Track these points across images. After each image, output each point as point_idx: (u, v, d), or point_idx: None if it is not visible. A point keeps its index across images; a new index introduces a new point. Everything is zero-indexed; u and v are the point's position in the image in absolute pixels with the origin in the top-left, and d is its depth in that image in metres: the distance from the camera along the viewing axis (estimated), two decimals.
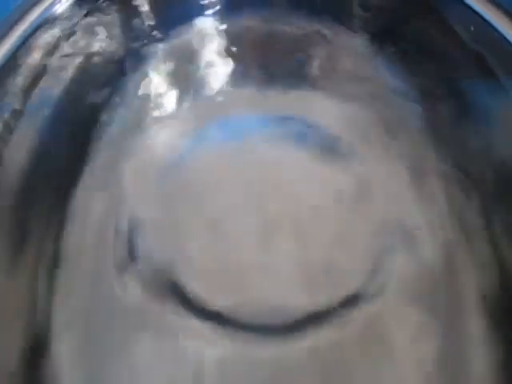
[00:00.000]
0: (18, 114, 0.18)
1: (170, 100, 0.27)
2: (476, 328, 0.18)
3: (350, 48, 0.28)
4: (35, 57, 0.20)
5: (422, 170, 0.23)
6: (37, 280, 0.18)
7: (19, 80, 0.19)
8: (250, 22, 0.29)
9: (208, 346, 0.19)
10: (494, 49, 0.21)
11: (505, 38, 0.21)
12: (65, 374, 0.17)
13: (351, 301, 0.19)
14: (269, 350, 0.19)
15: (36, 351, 0.17)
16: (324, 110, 0.26)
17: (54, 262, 0.19)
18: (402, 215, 0.22)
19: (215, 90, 0.27)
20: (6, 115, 0.17)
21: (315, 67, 0.28)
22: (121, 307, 0.19)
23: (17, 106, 0.18)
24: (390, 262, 0.21)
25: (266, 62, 0.28)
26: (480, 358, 0.18)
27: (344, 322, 0.19)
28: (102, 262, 0.20)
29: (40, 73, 0.20)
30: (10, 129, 0.17)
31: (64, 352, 0.17)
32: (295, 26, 0.29)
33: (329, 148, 0.25)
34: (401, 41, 0.27)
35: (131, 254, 0.21)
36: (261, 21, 0.29)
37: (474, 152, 0.22)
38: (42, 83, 0.20)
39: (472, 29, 0.22)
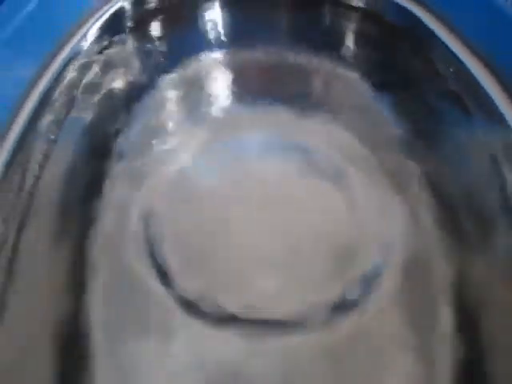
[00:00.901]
0: (52, 143, 0.21)
1: (179, 125, 0.30)
2: (445, 321, 0.21)
3: (344, 79, 0.31)
4: (65, 91, 0.23)
5: (403, 185, 0.27)
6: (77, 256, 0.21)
7: (54, 113, 0.22)
8: (254, 54, 0.32)
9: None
10: (467, 88, 0.24)
11: (476, 79, 0.23)
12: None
13: (338, 306, 0.22)
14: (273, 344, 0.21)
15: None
16: (318, 133, 0.29)
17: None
18: (381, 227, 0.25)
19: (221, 116, 0.30)
20: (45, 146, 0.20)
21: (312, 96, 0.31)
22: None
23: (52, 137, 0.21)
24: (373, 270, 0.23)
25: (268, 91, 0.31)
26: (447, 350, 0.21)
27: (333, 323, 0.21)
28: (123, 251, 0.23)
29: (69, 106, 0.23)
30: (47, 157, 0.20)
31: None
32: (296, 59, 0.32)
33: (320, 167, 0.28)
34: (389, 75, 0.30)
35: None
36: (264, 54, 0.32)
37: (445, 170, 0.25)
38: (71, 114, 0.23)
39: (451, 70, 0.25)
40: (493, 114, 0.22)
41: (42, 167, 0.19)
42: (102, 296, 0.21)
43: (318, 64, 0.31)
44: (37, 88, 0.20)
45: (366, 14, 0.31)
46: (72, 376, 0.18)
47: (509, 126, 0.21)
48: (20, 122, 0.18)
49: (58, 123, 0.21)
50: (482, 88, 0.22)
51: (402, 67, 0.29)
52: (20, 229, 0.17)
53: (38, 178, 0.19)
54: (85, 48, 0.25)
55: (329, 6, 0.33)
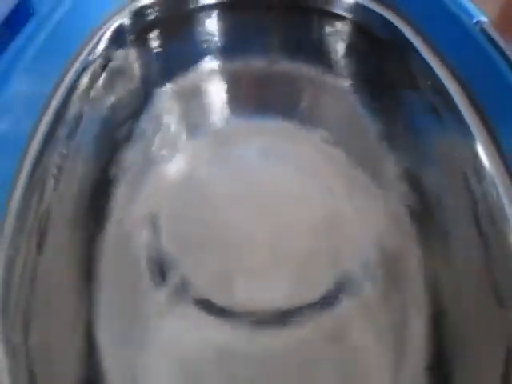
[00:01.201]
0: (65, 157, 0.23)
1: (179, 132, 0.32)
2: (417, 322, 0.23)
3: (333, 88, 0.33)
4: (76, 106, 0.25)
5: (383, 181, 0.29)
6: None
7: (66, 128, 0.24)
8: (249, 64, 0.34)
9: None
10: (442, 99, 0.26)
11: (449, 93, 0.25)
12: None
13: (320, 303, 0.24)
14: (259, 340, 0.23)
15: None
16: (307, 138, 0.32)
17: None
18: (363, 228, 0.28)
19: (218, 122, 0.32)
20: (59, 160, 0.22)
21: (304, 103, 0.34)
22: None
23: (64, 151, 0.23)
24: (353, 270, 0.26)
25: (263, 99, 0.33)
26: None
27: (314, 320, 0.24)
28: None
29: (79, 120, 0.25)
30: (61, 170, 0.22)
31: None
32: (289, 68, 0.34)
33: (310, 171, 0.30)
34: (375, 85, 0.32)
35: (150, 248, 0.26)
36: (259, 63, 0.34)
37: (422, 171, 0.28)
38: (81, 127, 0.25)
39: (429, 83, 0.28)
40: (461, 125, 0.23)
41: (57, 180, 0.21)
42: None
43: (308, 73, 0.34)
44: (50, 106, 0.22)
45: (354, 26, 0.33)
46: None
47: (473, 135, 0.22)
48: (37, 139, 0.20)
49: (70, 137, 0.23)
50: (453, 101, 0.24)
51: (388, 79, 0.31)
52: (42, 238, 0.19)
53: (54, 190, 0.21)
54: (92, 63, 0.27)
55: (318, 17, 0.35)
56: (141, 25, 0.32)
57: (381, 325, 0.24)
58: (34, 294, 0.17)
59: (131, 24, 0.31)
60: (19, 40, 0.21)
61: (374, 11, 0.31)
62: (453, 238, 0.25)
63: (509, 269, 0.19)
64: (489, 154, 0.21)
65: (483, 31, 0.23)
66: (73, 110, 0.25)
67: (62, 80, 0.24)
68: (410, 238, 0.26)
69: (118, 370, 0.21)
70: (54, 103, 0.23)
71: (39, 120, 0.21)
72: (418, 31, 0.28)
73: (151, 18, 0.32)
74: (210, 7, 0.34)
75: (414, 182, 0.28)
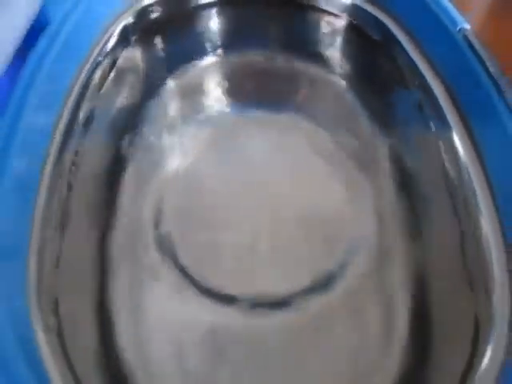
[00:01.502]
0: (79, 154, 0.25)
1: (182, 127, 0.33)
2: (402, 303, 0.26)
3: (328, 84, 0.35)
4: (88, 103, 0.27)
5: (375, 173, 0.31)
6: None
7: (80, 128, 0.26)
8: (248, 59, 0.36)
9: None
10: (427, 96, 0.28)
11: (432, 90, 0.28)
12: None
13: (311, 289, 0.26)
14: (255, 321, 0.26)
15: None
16: (302, 131, 0.34)
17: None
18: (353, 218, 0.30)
19: (219, 116, 0.34)
20: (74, 157, 0.24)
21: (300, 97, 0.36)
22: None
23: (80, 148, 0.25)
24: (343, 260, 0.28)
25: (261, 93, 0.35)
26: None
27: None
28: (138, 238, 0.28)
29: (91, 119, 0.27)
30: (77, 167, 0.24)
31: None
32: (286, 64, 0.35)
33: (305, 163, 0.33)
34: (369, 83, 0.34)
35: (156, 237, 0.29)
36: (257, 58, 0.36)
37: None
38: (92, 126, 0.27)
39: (416, 82, 0.30)
40: (442, 120, 0.26)
41: (74, 176, 0.24)
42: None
43: (305, 69, 0.36)
44: (67, 104, 0.24)
45: (349, 25, 0.35)
46: None
47: (451, 128, 0.25)
48: (57, 138, 0.23)
49: (82, 136, 0.26)
50: (436, 99, 0.27)
51: (379, 76, 0.33)
52: (63, 227, 0.22)
53: (71, 185, 0.23)
54: (101, 63, 0.29)
55: (315, 15, 0.36)
56: (144, 24, 0.33)
57: (367, 309, 0.26)
58: (60, 275, 0.19)
59: (135, 23, 0.33)
60: (38, 49, 0.23)
61: (369, 12, 0.33)
62: (434, 226, 0.27)
63: (479, 257, 0.21)
64: (464, 146, 0.24)
65: (465, 38, 0.26)
66: (86, 107, 0.27)
67: (76, 79, 0.26)
68: (398, 229, 0.29)
69: (126, 336, 0.24)
70: (71, 100, 0.25)
71: (59, 117, 0.23)
72: (408, 34, 0.30)
73: (154, 16, 0.34)
74: (210, 5, 0.36)
75: (402, 173, 0.30)
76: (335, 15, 0.35)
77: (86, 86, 0.27)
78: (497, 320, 0.19)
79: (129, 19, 0.32)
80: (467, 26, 0.26)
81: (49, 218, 0.20)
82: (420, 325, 0.24)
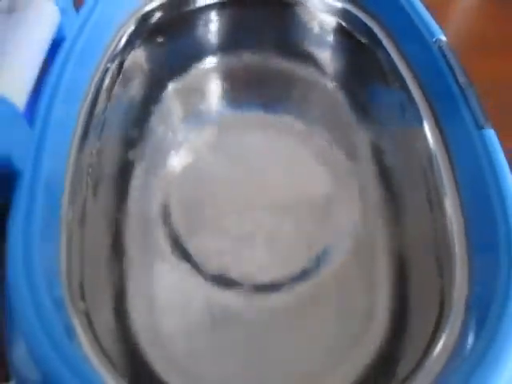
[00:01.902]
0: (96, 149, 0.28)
1: (185, 126, 0.36)
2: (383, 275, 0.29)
3: (319, 85, 0.38)
4: (101, 105, 0.30)
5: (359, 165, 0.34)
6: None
7: (96, 127, 0.29)
8: (245, 60, 0.38)
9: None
10: (407, 97, 0.31)
11: (411, 92, 0.31)
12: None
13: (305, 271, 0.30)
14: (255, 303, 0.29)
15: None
16: (296, 129, 0.37)
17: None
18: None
19: (218, 116, 0.37)
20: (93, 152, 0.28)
21: (293, 98, 0.39)
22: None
23: (96, 144, 0.28)
24: (331, 246, 0.31)
25: (257, 93, 0.38)
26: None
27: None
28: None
29: (104, 116, 0.30)
30: (93, 165, 0.28)
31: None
32: (281, 66, 0.38)
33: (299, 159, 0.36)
34: (354, 83, 0.37)
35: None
36: (253, 60, 0.38)
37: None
38: (106, 123, 0.30)
39: (397, 84, 0.32)
40: (418, 117, 0.29)
41: (91, 176, 0.27)
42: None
43: (299, 71, 0.39)
44: (82, 112, 0.27)
45: (339, 28, 0.38)
46: None
47: (423, 122, 0.28)
48: (76, 142, 0.26)
49: (96, 139, 0.28)
50: (414, 99, 0.30)
51: (365, 77, 0.36)
52: (83, 215, 0.25)
53: (88, 184, 0.26)
54: (111, 68, 0.32)
55: (308, 18, 0.39)
56: (147, 28, 0.35)
57: (351, 292, 0.30)
58: (83, 264, 0.23)
59: (139, 28, 0.35)
60: (57, 62, 0.26)
61: (358, 17, 0.36)
62: (410, 215, 0.30)
63: (446, 244, 0.25)
64: (436, 144, 0.27)
65: (440, 49, 0.28)
66: (100, 108, 0.29)
67: (90, 84, 0.29)
68: (379, 217, 0.32)
69: (139, 315, 0.27)
70: (87, 102, 0.28)
71: (78, 116, 0.26)
72: (392, 40, 0.33)
73: (155, 21, 0.36)
74: (209, 7, 0.38)
75: (384, 168, 0.33)
76: (328, 18, 0.38)
77: (98, 91, 0.30)
78: (455, 302, 0.22)
79: (134, 24, 0.35)
80: (443, 38, 0.29)
81: (73, 215, 0.23)
82: (396, 305, 0.28)
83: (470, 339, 0.20)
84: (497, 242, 0.21)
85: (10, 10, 0.25)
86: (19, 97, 0.21)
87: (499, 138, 0.24)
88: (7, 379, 0.19)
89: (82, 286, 0.21)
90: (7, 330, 0.19)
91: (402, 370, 0.22)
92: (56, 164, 0.23)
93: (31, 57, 0.23)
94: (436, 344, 0.21)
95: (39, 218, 0.19)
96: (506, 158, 0.24)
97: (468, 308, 0.21)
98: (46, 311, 0.17)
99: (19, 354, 0.18)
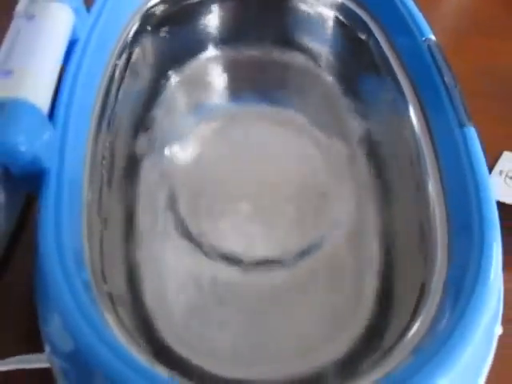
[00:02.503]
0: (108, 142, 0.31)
1: (188, 121, 0.39)
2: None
3: (318, 77, 0.40)
4: (112, 99, 0.32)
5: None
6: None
7: (108, 117, 0.31)
8: (245, 53, 0.40)
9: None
10: (397, 89, 0.33)
11: (401, 85, 0.33)
12: None
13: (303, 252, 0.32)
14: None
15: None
16: (294, 120, 0.39)
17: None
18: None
19: (220, 107, 0.39)
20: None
21: (290, 88, 0.41)
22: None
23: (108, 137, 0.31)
24: (328, 229, 0.34)
25: (257, 85, 0.40)
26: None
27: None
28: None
29: (114, 113, 0.32)
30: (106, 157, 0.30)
31: None
32: (281, 57, 0.40)
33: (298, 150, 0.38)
34: (350, 76, 0.39)
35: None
36: (256, 52, 0.40)
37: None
38: (117, 115, 0.33)
39: (389, 77, 0.34)
40: (406, 109, 0.31)
41: (105, 168, 0.29)
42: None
43: (298, 63, 0.41)
44: (96, 108, 0.30)
45: (337, 22, 0.40)
46: None
47: (410, 112, 0.31)
48: (91, 136, 0.28)
49: (109, 132, 0.30)
50: (404, 93, 0.32)
51: (360, 70, 0.38)
52: (100, 199, 0.27)
53: (103, 176, 0.29)
54: (119, 64, 0.34)
55: (307, 12, 0.41)
56: (151, 23, 0.37)
57: (345, 270, 0.32)
58: (102, 247, 0.25)
59: (144, 23, 0.37)
60: (72, 64, 0.28)
61: (355, 12, 0.38)
62: (400, 201, 0.33)
63: (429, 229, 0.27)
64: (421, 129, 0.30)
65: (429, 48, 0.31)
66: (111, 103, 0.32)
67: (102, 81, 0.31)
68: (371, 203, 0.34)
69: (151, 290, 0.30)
70: (99, 98, 0.30)
71: (92, 112, 0.29)
72: (385, 36, 0.35)
73: (159, 15, 0.38)
74: (210, 0, 0.40)
75: (376, 157, 0.36)
76: (325, 11, 0.40)
77: (109, 88, 0.32)
78: (434, 283, 0.25)
79: (139, 20, 0.37)
80: (432, 37, 0.31)
81: (92, 205, 0.26)
82: (383, 285, 0.30)
83: (445, 315, 0.23)
84: (471, 227, 0.24)
85: (28, 14, 0.27)
86: (43, 100, 0.23)
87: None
88: (41, 350, 0.22)
89: (102, 271, 0.24)
90: (41, 307, 0.22)
91: (387, 342, 0.25)
92: (76, 159, 0.25)
93: (51, 60, 0.25)
94: (416, 320, 0.24)
95: (66, 211, 0.22)
96: None
97: (445, 288, 0.24)
98: (77, 292, 0.19)
99: (53, 328, 0.21)
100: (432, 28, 0.33)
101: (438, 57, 0.30)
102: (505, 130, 0.43)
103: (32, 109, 0.22)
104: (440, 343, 0.20)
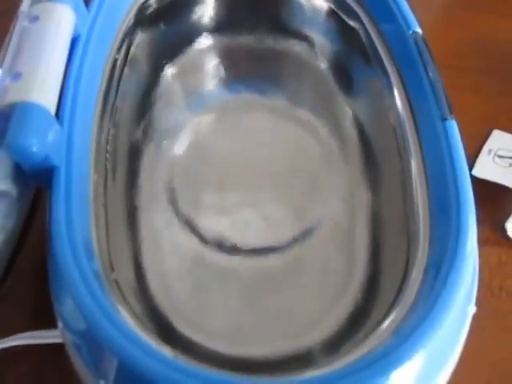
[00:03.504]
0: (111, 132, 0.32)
1: (185, 111, 0.40)
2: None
3: (312, 65, 0.41)
4: (113, 91, 0.34)
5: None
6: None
7: (110, 110, 0.33)
8: (240, 42, 0.42)
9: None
10: (386, 79, 0.34)
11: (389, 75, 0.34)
12: None
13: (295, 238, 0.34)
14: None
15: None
16: (290, 110, 0.41)
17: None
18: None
19: (217, 98, 0.41)
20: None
21: (284, 76, 0.42)
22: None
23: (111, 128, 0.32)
24: (320, 214, 0.36)
25: (252, 73, 0.42)
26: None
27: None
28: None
29: (116, 103, 0.34)
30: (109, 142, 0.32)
31: None
32: (276, 47, 0.42)
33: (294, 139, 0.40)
34: (343, 66, 0.40)
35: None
36: (250, 41, 0.41)
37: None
38: (119, 108, 0.34)
39: (379, 68, 0.36)
40: (393, 96, 0.33)
41: (108, 161, 0.31)
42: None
43: (292, 52, 0.42)
44: (99, 98, 0.31)
45: (331, 13, 0.41)
46: None
47: (396, 101, 0.33)
48: (95, 132, 0.30)
49: (111, 126, 0.32)
50: (391, 83, 0.34)
51: (352, 61, 0.40)
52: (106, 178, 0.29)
53: (106, 168, 0.30)
54: (119, 59, 0.35)
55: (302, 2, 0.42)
56: (147, 15, 0.38)
57: (337, 252, 0.34)
58: (108, 237, 0.27)
59: (140, 16, 0.38)
60: (74, 59, 0.29)
61: (348, 3, 0.39)
62: (387, 186, 0.34)
63: (413, 213, 0.28)
64: (407, 118, 0.31)
65: (415, 41, 0.32)
66: (111, 98, 0.33)
67: (103, 76, 0.33)
68: (362, 187, 0.36)
69: (152, 274, 0.32)
70: (101, 94, 0.31)
71: (95, 108, 0.30)
72: (375, 27, 0.37)
73: (154, 7, 0.39)
74: None
75: (364, 139, 0.38)
76: (319, 2, 0.41)
77: (110, 83, 0.33)
78: (417, 264, 0.27)
79: (135, 13, 0.38)
80: (419, 31, 0.32)
81: (98, 197, 0.27)
82: (371, 266, 0.32)
83: (425, 294, 0.25)
84: (449, 212, 0.26)
85: (31, 15, 0.28)
86: (51, 100, 0.25)
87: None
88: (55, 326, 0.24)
89: (110, 260, 0.26)
90: (55, 290, 0.24)
91: (372, 321, 0.27)
92: (82, 155, 0.27)
93: (57, 61, 0.26)
94: (399, 302, 0.26)
95: (76, 205, 0.24)
96: None
97: (426, 268, 0.26)
98: (88, 280, 0.22)
99: (66, 307, 0.23)
100: (424, 5, 0.34)
101: (423, 50, 0.31)
102: (495, 107, 0.43)
103: (41, 110, 0.23)
104: (417, 323, 0.22)
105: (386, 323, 0.25)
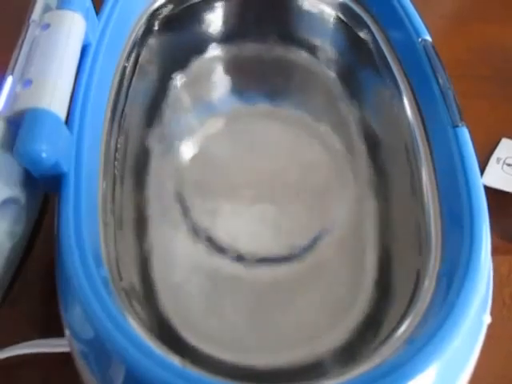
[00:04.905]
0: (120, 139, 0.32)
1: (193, 119, 0.40)
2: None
3: (320, 74, 0.41)
4: (122, 98, 0.34)
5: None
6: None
7: (118, 119, 0.33)
8: (251, 50, 0.42)
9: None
10: (395, 88, 0.34)
11: (398, 84, 0.34)
12: None
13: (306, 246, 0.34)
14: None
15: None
16: (296, 117, 0.41)
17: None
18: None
19: (225, 107, 0.41)
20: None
21: (293, 85, 0.42)
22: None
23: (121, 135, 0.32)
24: (329, 222, 0.36)
25: (260, 82, 0.41)
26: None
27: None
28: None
29: (123, 113, 0.34)
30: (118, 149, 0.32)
31: None
32: (283, 55, 0.41)
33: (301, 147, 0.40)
34: (351, 74, 0.40)
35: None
36: (259, 50, 0.42)
37: None
38: (128, 114, 0.34)
39: (388, 80, 0.36)
40: (403, 105, 0.33)
41: (116, 168, 0.31)
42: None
43: (300, 61, 0.42)
44: (109, 105, 0.31)
45: (338, 21, 0.41)
46: None
47: (405, 107, 0.33)
48: (104, 138, 0.30)
49: (119, 132, 0.32)
50: (401, 92, 0.33)
51: (360, 69, 0.40)
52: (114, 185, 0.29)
53: (115, 175, 0.30)
54: (128, 66, 0.35)
55: (309, 11, 0.42)
56: (157, 24, 0.39)
57: (347, 262, 0.34)
58: (116, 244, 0.27)
59: (150, 24, 0.38)
60: (84, 66, 0.29)
61: (356, 12, 0.39)
62: (396, 190, 0.34)
63: (425, 224, 0.28)
64: (417, 127, 0.31)
65: (424, 48, 0.32)
66: (120, 105, 0.33)
67: (112, 84, 0.33)
68: (371, 197, 0.36)
69: (160, 277, 0.32)
70: (110, 101, 0.32)
71: (105, 115, 0.30)
72: (385, 36, 0.36)
73: (164, 15, 0.39)
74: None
75: (373, 149, 0.37)
76: (326, 10, 0.41)
77: (119, 90, 0.33)
78: (429, 275, 0.26)
79: (145, 22, 0.38)
80: (428, 38, 0.32)
81: (106, 205, 0.27)
82: (381, 277, 0.32)
83: (438, 304, 0.24)
84: (462, 222, 0.25)
85: (43, 23, 0.28)
86: (61, 107, 0.25)
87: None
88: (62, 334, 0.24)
89: (118, 267, 0.26)
90: (62, 297, 0.24)
91: (384, 330, 0.27)
92: (91, 162, 0.27)
93: (68, 68, 0.26)
94: (411, 310, 0.25)
95: (84, 212, 0.24)
96: None
97: (438, 280, 0.26)
98: (97, 288, 0.21)
99: (74, 315, 0.23)
100: (432, 15, 0.34)
101: (433, 58, 0.31)
102: (503, 115, 0.43)
103: (52, 117, 0.23)
104: (431, 333, 0.22)
105: (399, 333, 0.25)
